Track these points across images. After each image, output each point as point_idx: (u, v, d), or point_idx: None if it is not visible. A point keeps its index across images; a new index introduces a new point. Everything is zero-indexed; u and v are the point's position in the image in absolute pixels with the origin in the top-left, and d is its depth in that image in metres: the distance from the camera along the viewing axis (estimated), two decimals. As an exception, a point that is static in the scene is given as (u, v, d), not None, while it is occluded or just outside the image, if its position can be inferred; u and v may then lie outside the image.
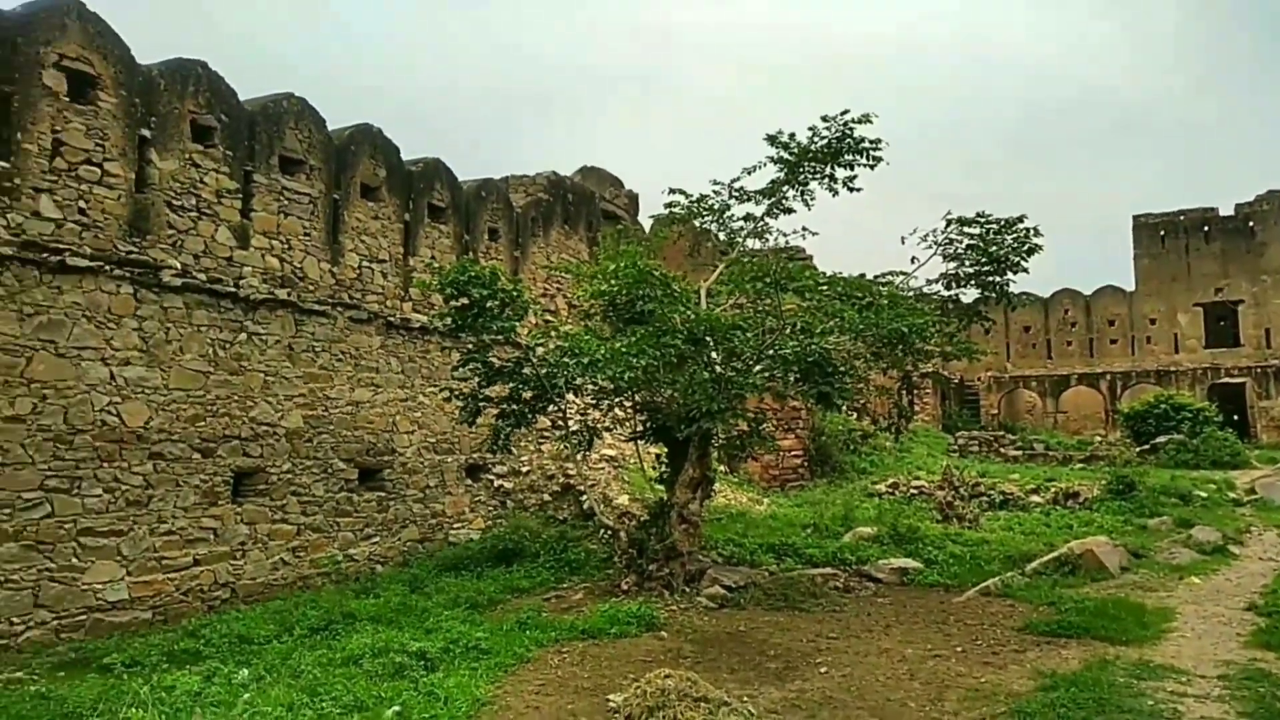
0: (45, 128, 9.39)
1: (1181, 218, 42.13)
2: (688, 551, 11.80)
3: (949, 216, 11.82)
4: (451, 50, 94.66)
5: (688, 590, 11.42)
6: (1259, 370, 37.45)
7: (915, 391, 35.00)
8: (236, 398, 11.21)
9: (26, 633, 8.81)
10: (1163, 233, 42.50)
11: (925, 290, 12.88)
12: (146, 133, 10.39)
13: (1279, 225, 40.37)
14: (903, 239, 12.01)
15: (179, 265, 10.60)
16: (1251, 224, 40.97)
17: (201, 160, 11.03)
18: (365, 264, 13.40)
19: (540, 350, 11.93)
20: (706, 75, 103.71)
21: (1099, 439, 31.76)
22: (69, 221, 9.53)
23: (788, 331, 10.93)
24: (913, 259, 12.16)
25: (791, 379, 11.06)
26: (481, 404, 11.95)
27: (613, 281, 10.94)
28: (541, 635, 9.15)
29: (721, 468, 19.39)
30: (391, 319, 13.66)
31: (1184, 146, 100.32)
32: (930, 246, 12.15)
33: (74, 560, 9.30)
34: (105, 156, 9.92)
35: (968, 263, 12.32)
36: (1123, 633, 9.09)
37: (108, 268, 9.81)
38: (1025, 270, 12.07)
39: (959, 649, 8.86)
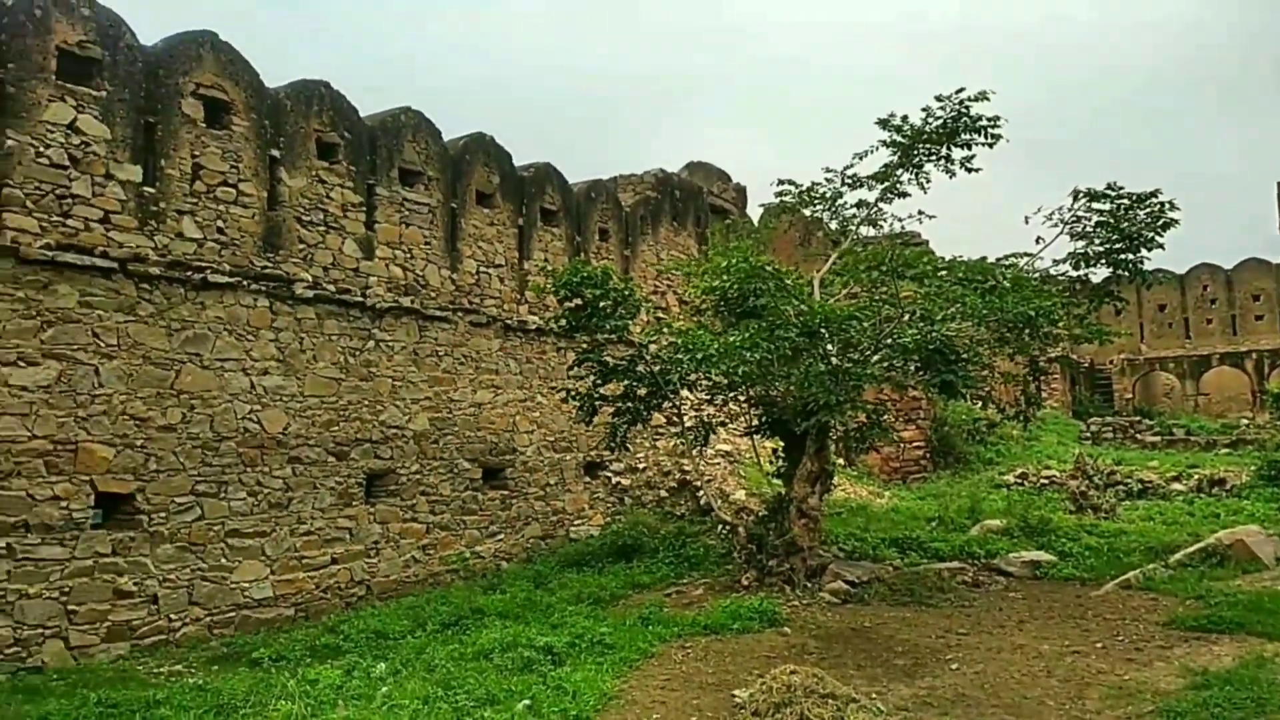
0: (185, 153, 9.99)
1: (1335, 182, 39.08)
2: (808, 546, 11.68)
3: (1076, 190, 11.30)
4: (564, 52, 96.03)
5: (809, 586, 11.31)
6: None
7: (1043, 377, 33.67)
8: (367, 402, 11.69)
9: (183, 628, 9.42)
10: (1313, 199, 39.49)
11: (1052, 271, 12.38)
12: (276, 153, 10.92)
13: None
14: (1026, 218, 11.58)
15: (310, 278, 11.11)
16: None
17: (327, 176, 11.53)
18: (482, 269, 13.75)
19: (653, 347, 12.02)
20: (829, 69, 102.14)
21: (1245, 422, 29.84)
22: (209, 240, 10.12)
23: (906, 319, 10.66)
24: (1038, 239, 11.70)
25: (912, 368, 10.79)
26: (597, 402, 12.12)
27: (724, 277, 10.91)
28: (664, 630, 9.23)
29: (840, 461, 19.11)
30: (509, 322, 13.98)
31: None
32: (1056, 225, 11.66)
33: (223, 560, 9.89)
34: (240, 177, 10.49)
35: (1097, 240, 11.76)
36: (1281, 628, 8.55)
37: (245, 283, 10.37)
38: (1160, 246, 11.45)
39: (1099, 645, 8.50)
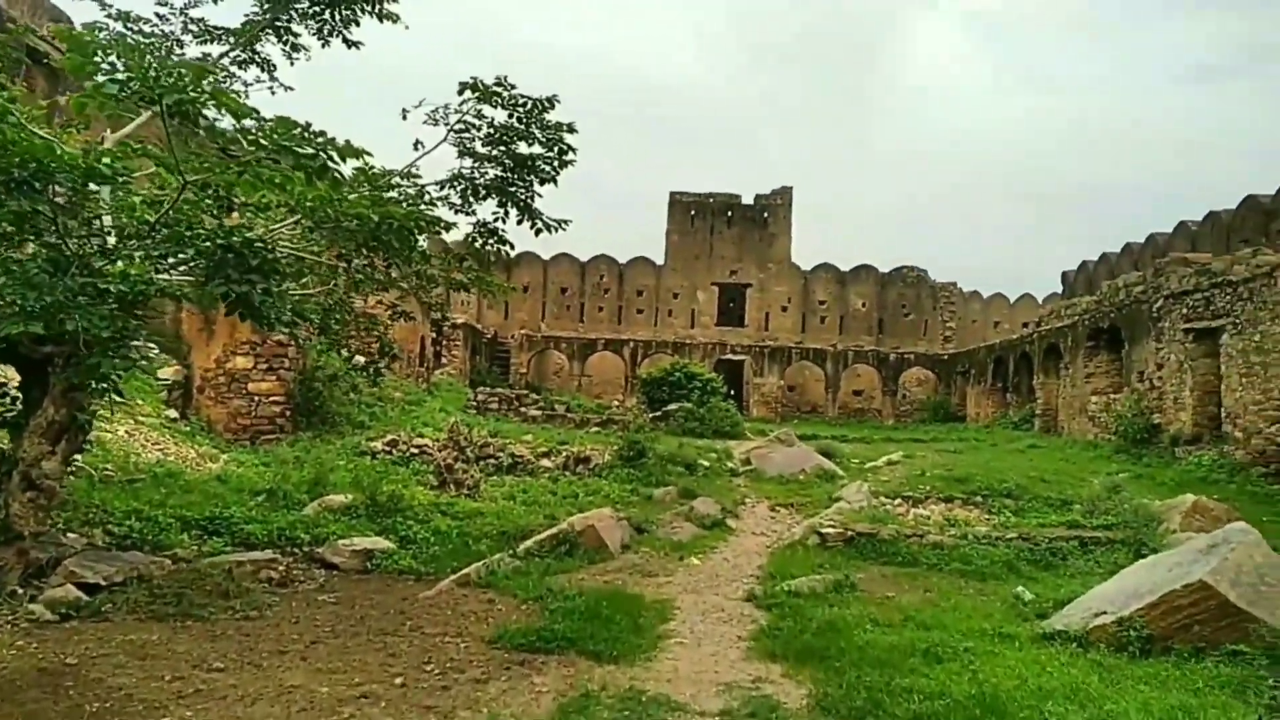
0: None
1: (711, 200, 44.95)
2: (33, 532, 7.80)
3: (463, 83, 8.75)
4: None
5: (21, 591, 7.48)
6: (757, 349, 41.00)
7: (444, 343, 32.65)
8: None
9: None
10: (694, 212, 45.04)
11: (437, 196, 9.86)
12: None
13: (786, 219, 44.83)
14: (404, 113, 8.82)
15: None
16: (765, 215, 44.97)
17: None
18: None
19: None
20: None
21: (617, 404, 32.06)
22: None
23: (198, 199, 7.16)
24: (416, 143, 9.05)
25: (198, 273, 7.19)
26: None
27: None
28: None
29: (170, 412, 15.03)
30: None
31: (741, 134, 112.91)
32: (442, 126, 9.09)
33: None
34: None
35: (489, 164, 9.61)
36: (614, 643, 7.04)
37: None
38: (554, 182, 9.66)
39: (399, 681, 6.14)
